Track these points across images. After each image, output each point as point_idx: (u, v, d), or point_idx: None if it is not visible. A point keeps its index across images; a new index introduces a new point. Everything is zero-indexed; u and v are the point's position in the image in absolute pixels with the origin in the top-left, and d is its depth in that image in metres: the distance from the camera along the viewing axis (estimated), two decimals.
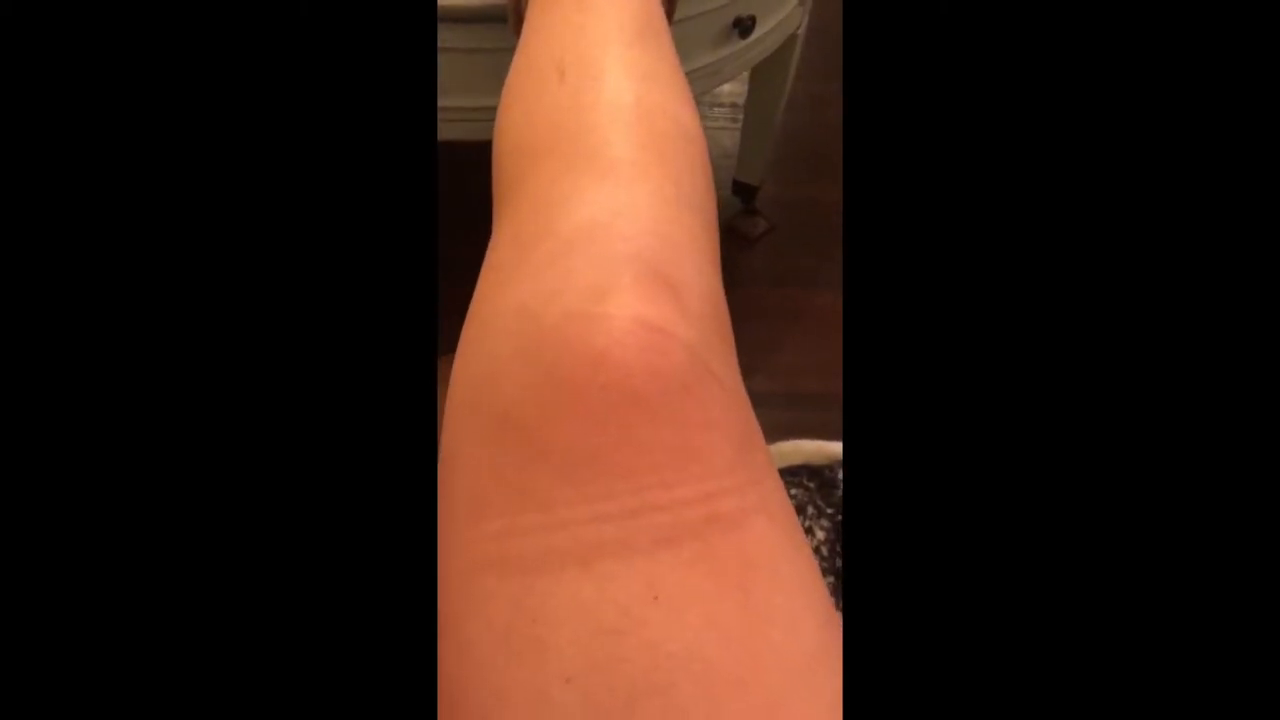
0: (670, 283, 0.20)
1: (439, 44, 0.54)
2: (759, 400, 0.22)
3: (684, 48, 0.69)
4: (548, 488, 0.18)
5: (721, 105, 1.32)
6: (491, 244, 0.26)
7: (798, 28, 0.79)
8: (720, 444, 0.19)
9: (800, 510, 0.35)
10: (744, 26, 0.64)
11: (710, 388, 0.19)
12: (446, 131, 0.59)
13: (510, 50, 0.57)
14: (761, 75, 0.91)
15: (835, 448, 0.37)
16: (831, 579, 0.34)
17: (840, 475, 0.35)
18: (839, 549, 0.33)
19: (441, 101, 0.57)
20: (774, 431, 0.26)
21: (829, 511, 0.34)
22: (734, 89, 1.31)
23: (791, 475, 0.37)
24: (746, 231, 1.11)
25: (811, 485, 0.36)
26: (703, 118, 1.43)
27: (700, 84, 0.67)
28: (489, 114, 0.58)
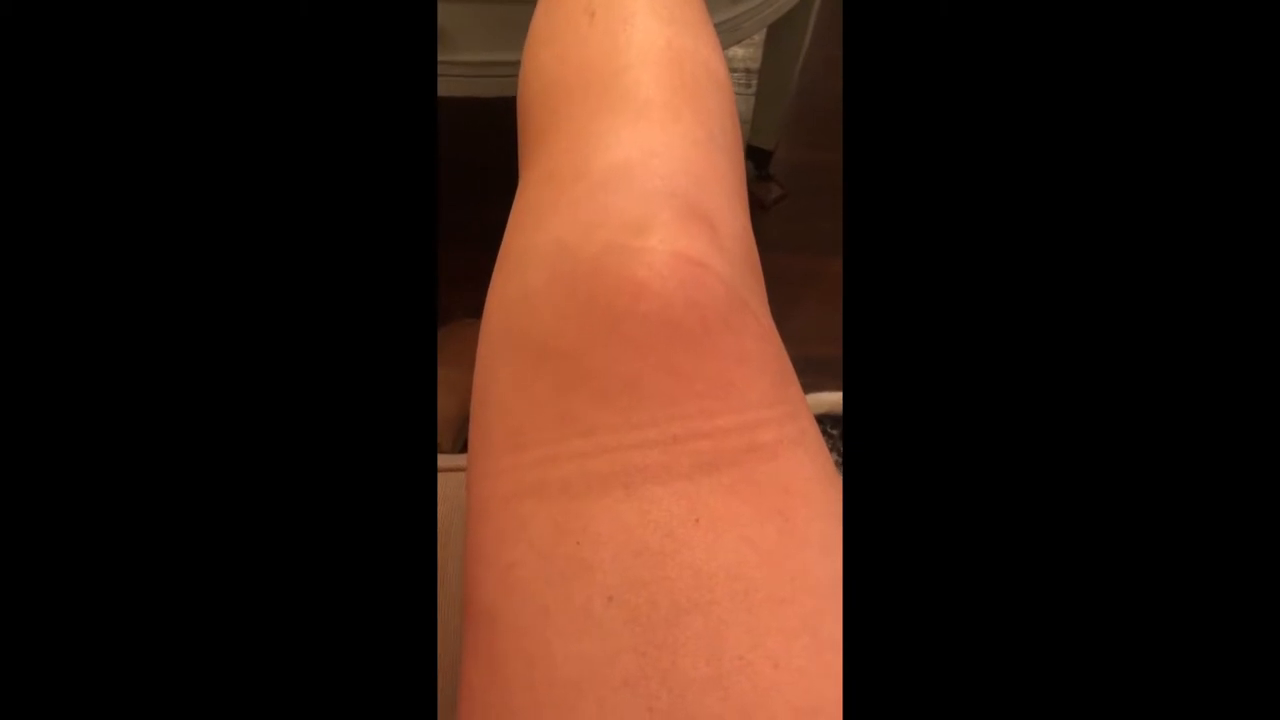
0: (707, 219, 0.21)
1: None
2: None
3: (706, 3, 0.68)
4: (589, 413, 0.18)
5: (735, 70, 1.31)
6: (522, 184, 0.25)
7: None
8: (758, 377, 0.19)
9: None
10: None
11: (747, 322, 0.19)
12: (464, 88, 0.58)
13: (531, 2, 0.57)
14: (777, 35, 0.90)
15: None
16: None
17: None
18: None
19: (459, 56, 0.56)
20: None
21: None
22: (747, 54, 1.30)
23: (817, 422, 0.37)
24: (760, 197, 1.11)
25: (835, 433, 0.37)
26: None
27: (721, 39, 0.66)
28: (507, 69, 0.57)
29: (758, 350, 0.19)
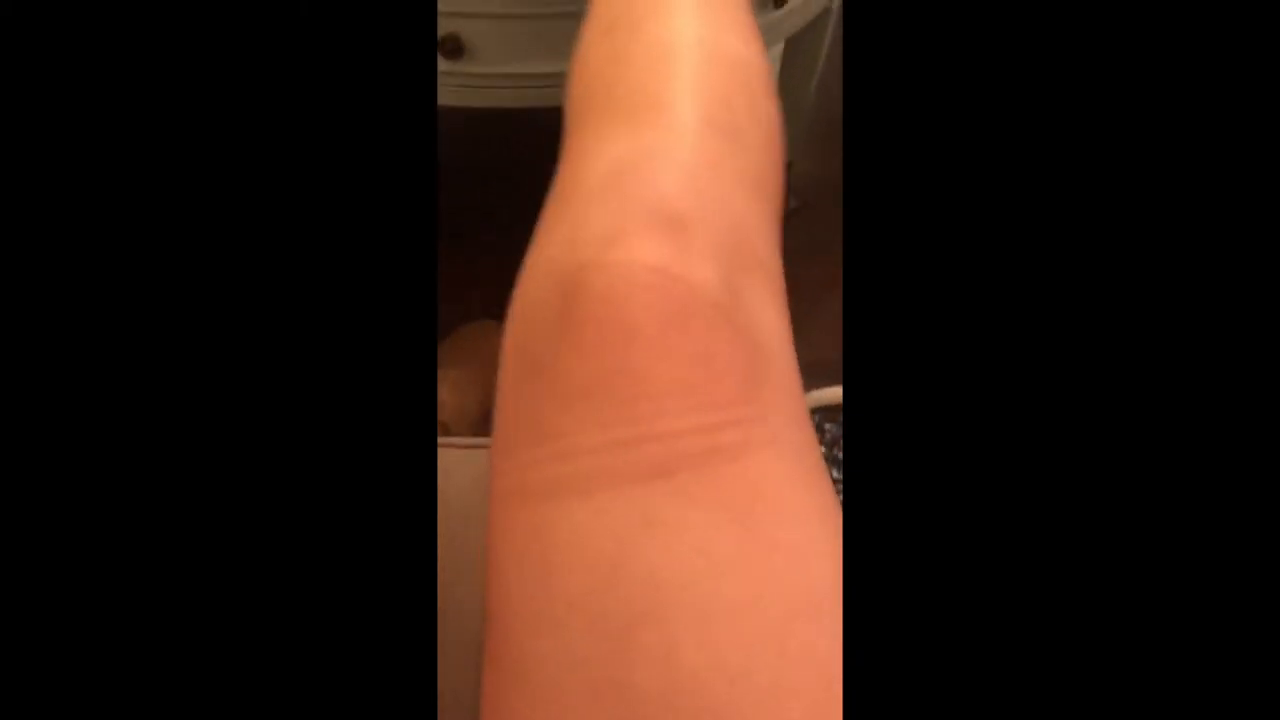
0: (680, 223, 0.20)
1: (475, 10, 0.56)
2: None
3: None
4: (555, 418, 0.19)
5: None
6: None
7: (830, 2, 0.79)
8: (722, 378, 0.19)
9: (836, 444, 0.37)
10: None
11: (713, 322, 0.19)
12: (487, 99, 0.60)
13: (554, 16, 0.59)
14: (795, 48, 0.92)
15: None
16: None
17: None
18: None
19: (481, 68, 0.59)
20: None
21: None
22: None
23: (828, 413, 0.39)
24: None
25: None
26: None
27: None
28: (534, 80, 0.59)
29: (725, 351, 0.19)
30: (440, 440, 0.41)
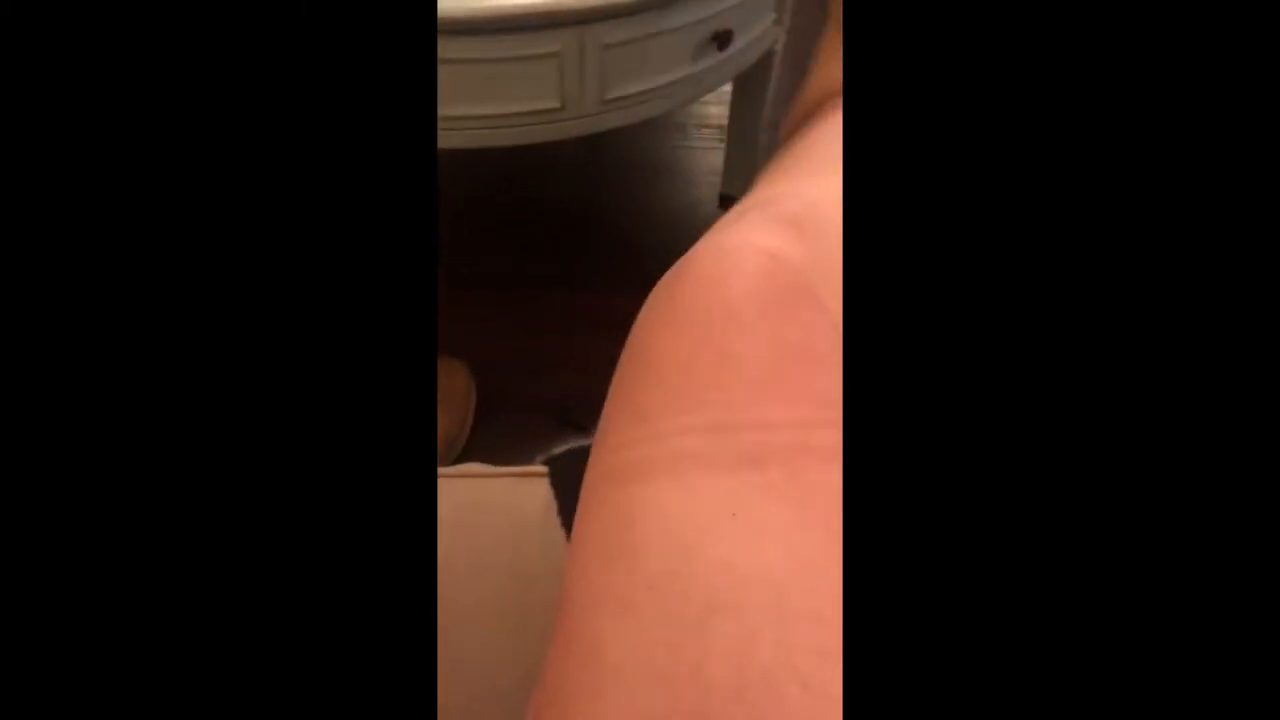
0: (798, 225, 0.20)
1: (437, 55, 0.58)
2: None
3: (667, 59, 0.73)
4: (649, 399, 0.19)
5: (709, 127, 1.37)
6: None
7: (774, 44, 0.83)
8: (818, 374, 0.18)
9: None
10: (722, 40, 0.69)
11: (817, 317, 0.18)
12: (441, 140, 0.62)
13: (504, 60, 0.62)
14: (743, 90, 0.96)
15: None
16: None
17: None
18: None
19: (439, 110, 0.61)
20: None
21: None
22: (720, 112, 1.36)
23: None
24: None
25: None
26: (690, 139, 1.45)
27: (684, 92, 0.71)
28: (485, 122, 0.61)
29: (826, 344, 0.18)
30: None
